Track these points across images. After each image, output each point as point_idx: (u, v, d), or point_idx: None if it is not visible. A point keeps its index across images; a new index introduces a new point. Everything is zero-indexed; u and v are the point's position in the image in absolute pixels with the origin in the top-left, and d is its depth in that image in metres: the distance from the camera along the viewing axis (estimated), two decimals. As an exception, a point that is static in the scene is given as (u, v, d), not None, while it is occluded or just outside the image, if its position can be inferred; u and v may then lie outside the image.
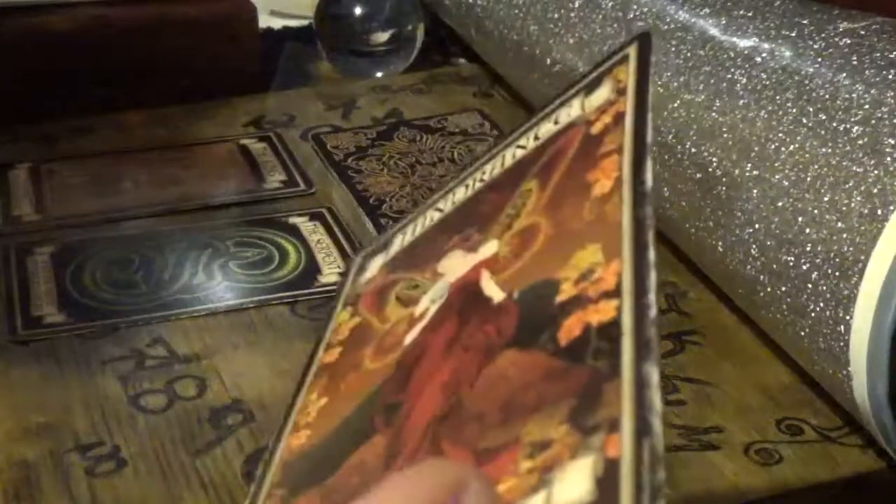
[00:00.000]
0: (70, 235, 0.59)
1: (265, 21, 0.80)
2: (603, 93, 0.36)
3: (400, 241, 0.41)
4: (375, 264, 0.41)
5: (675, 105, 0.51)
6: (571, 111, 0.36)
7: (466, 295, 0.34)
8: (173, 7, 0.73)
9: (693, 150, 0.50)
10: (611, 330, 0.28)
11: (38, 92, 0.70)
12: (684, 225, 0.51)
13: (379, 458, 0.31)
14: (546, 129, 0.37)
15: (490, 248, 0.35)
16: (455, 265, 0.36)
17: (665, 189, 0.52)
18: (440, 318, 0.34)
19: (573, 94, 0.37)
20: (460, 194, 0.39)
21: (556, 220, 0.33)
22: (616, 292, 0.28)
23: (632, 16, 0.56)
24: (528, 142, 0.37)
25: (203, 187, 0.63)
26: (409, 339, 0.35)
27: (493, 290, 0.33)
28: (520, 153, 0.37)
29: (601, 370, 0.27)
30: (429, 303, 0.35)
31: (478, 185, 0.38)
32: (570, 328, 0.29)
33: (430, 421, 0.30)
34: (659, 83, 0.52)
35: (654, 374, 0.25)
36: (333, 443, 0.33)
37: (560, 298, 0.30)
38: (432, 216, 0.40)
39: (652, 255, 0.28)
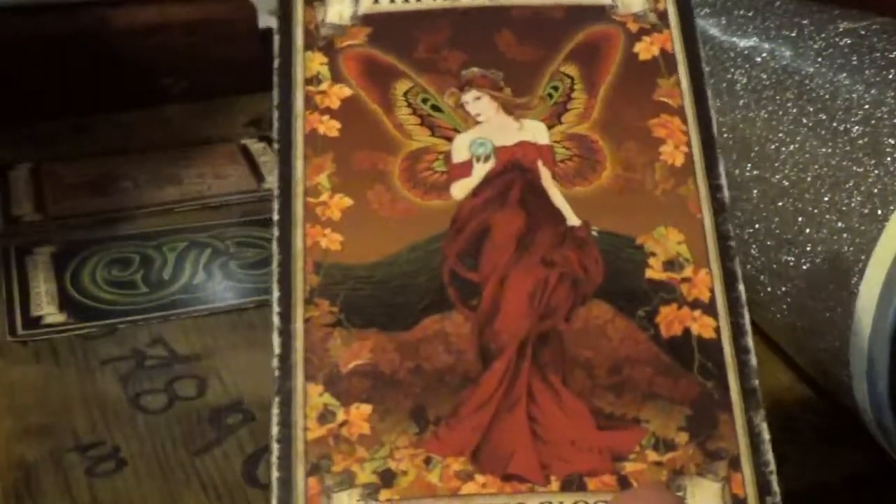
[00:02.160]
0: (70, 235, 0.59)
1: (265, 21, 0.80)
2: None
3: None
4: (342, 5, 0.37)
5: (675, 105, 0.51)
6: None
7: (525, 184, 0.34)
8: (173, 7, 0.73)
9: (693, 150, 0.50)
10: (713, 352, 0.31)
11: (38, 92, 0.70)
12: (684, 225, 0.51)
13: (466, 340, 0.32)
14: None
15: (538, 131, 0.35)
16: (493, 120, 0.35)
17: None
18: (496, 192, 0.34)
19: None
20: None
21: (619, 158, 0.34)
22: (711, 309, 0.32)
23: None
24: None
25: (203, 187, 0.64)
26: (456, 191, 0.34)
27: (562, 205, 0.34)
28: None
29: (711, 393, 0.31)
30: (469, 155, 0.35)
31: None
32: (668, 321, 0.32)
33: (527, 337, 0.32)
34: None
35: (765, 431, 0.30)
36: (390, 282, 0.33)
37: (650, 275, 0.32)
38: None
39: (743, 290, 0.32)
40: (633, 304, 0.32)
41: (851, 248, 0.41)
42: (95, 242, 0.58)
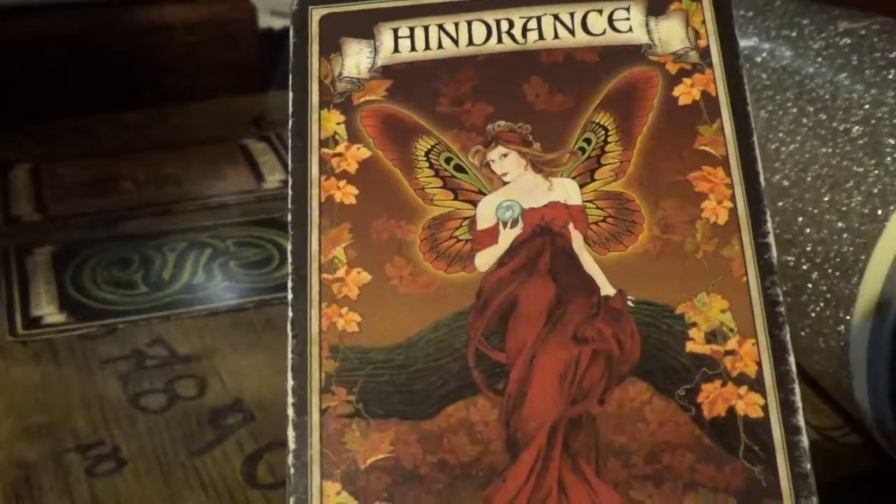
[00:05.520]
0: (70, 235, 0.59)
1: (265, 21, 0.80)
2: (675, 30, 0.34)
3: (391, 42, 0.35)
4: (359, 56, 0.35)
5: (675, 105, 0.51)
6: (633, 25, 0.34)
7: (555, 250, 0.32)
8: (173, 7, 0.73)
9: (693, 150, 0.50)
10: (761, 434, 0.29)
11: (38, 92, 0.70)
12: (684, 225, 0.51)
13: (492, 429, 0.30)
14: (597, 23, 0.34)
15: (570, 191, 0.33)
16: (520, 179, 0.33)
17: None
18: (524, 261, 0.32)
19: None
20: (480, 34, 0.34)
21: (657, 217, 0.32)
22: (758, 385, 0.30)
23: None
24: (574, 26, 0.34)
25: (203, 187, 0.64)
26: (481, 262, 0.32)
27: (595, 272, 0.32)
28: (566, 37, 0.34)
29: (759, 479, 0.29)
30: (495, 220, 0.32)
31: (505, 37, 0.34)
32: (711, 400, 0.30)
33: (557, 424, 0.30)
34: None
35: None
36: (410, 366, 0.31)
37: (691, 348, 0.30)
38: (440, 38, 0.35)
39: (793, 362, 0.30)
40: (673, 383, 0.30)
41: (851, 248, 0.41)
42: (95, 242, 0.58)
